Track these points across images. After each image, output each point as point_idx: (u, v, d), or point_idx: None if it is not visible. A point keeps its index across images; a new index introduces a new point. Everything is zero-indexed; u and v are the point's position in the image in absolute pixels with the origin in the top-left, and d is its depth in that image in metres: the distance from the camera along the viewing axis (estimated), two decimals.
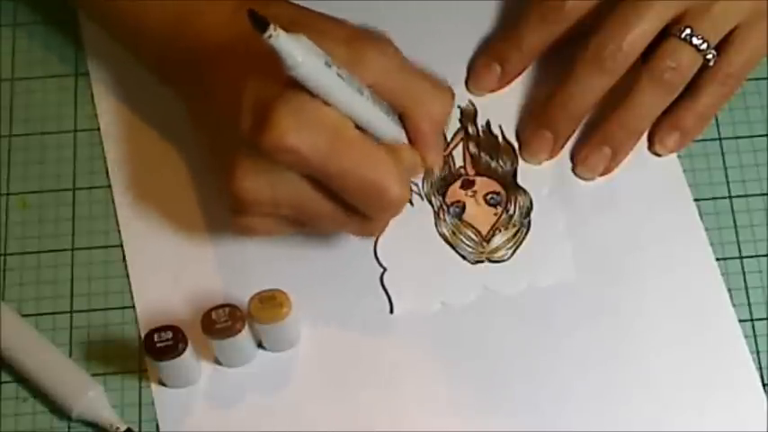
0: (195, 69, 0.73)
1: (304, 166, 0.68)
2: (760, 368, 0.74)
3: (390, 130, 0.71)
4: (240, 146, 0.69)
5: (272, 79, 0.66)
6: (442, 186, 0.79)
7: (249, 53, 0.65)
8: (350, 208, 0.70)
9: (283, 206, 0.70)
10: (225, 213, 0.73)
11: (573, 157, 0.79)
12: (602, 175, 0.78)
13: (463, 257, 0.77)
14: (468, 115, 0.81)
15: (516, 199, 0.78)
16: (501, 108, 0.81)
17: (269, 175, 0.69)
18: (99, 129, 0.81)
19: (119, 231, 0.78)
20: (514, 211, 0.78)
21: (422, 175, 0.78)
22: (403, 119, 0.72)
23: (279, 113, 0.66)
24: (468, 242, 0.77)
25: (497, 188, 0.79)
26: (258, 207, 0.70)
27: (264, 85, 0.68)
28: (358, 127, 0.69)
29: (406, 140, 0.72)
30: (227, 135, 0.69)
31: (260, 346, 0.75)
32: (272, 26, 0.63)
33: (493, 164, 0.79)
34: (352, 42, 0.69)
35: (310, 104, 0.67)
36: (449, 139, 0.80)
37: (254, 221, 0.71)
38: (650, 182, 0.79)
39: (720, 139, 0.80)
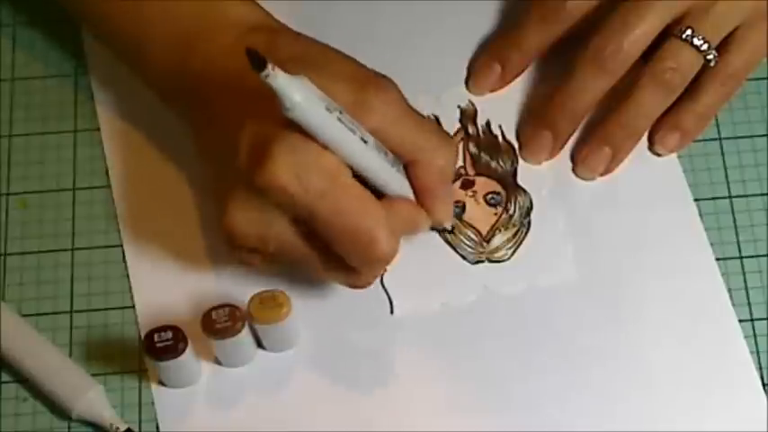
0: (199, 97, 0.73)
1: (294, 207, 0.67)
2: (760, 368, 0.74)
3: (395, 181, 0.70)
4: (237, 179, 0.68)
5: (273, 116, 0.65)
6: None
7: (252, 87, 0.64)
8: (337, 257, 0.69)
9: (271, 245, 0.69)
10: None
11: (573, 157, 0.79)
12: (602, 175, 0.78)
13: (463, 257, 0.77)
14: (469, 115, 0.81)
15: (516, 199, 0.78)
16: (501, 108, 0.81)
17: (261, 212, 0.68)
18: (99, 129, 0.81)
19: (119, 231, 0.78)
20: (514, 211, 0.78)
21: (426, 231, 0.75)
22: (407, 170, 0.71)
23: (275, 152, 0.66)
24: (468, 242, 0.77)
25: (497, 188, 0.79)
26: (246, 242, 0.70)
27: (264, 122, 0.67)
28: (358, 176, 0.68)
29: (411, 193, 0.71)
30: (227, 165, 0.69)
31: (260, 346, 0.75)
32: (269, 65, 0.62)
33: (493, 164, 0.79)
34: (358, 86, 0.68)
35: (307, 146, 0.66)
36: None
37: (245, 255, 0.71)
38: (650, 182, 0.79)
39: (720, 139, 0.80)
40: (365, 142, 0.67)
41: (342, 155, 0.67)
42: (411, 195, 0.71)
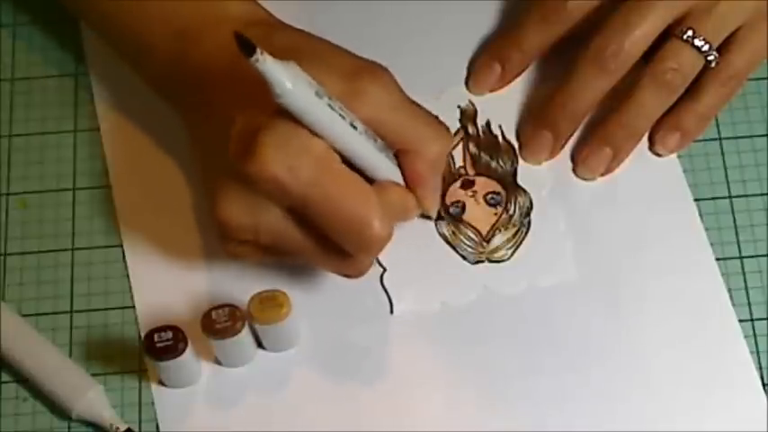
0: (198, 92, 0.73)
1: (285, 196, 0.67)
2: (760, 368, 0.74)
3: (385, 167, 0.70)
4: (229, 171, 0.68)
5: (263, 106, 0.65)
6: (442, 186, 0.78)
7: (245, 78, 0.65)
8: (331, 245, 0.69)
9: (264, 235, 0.69)
10: None
11: (573, 157, 0.79)
12: (602, 175, 0.78)
13: (463, 257, 0.77)
14: (468, 115, 0.81)
15: (516, 199, 0.78)
16: (501, 108, 0.81)
17: (253, 202, 0.68)
18: (99, 129, 0.81)
19: (119, 231, 0.78)
20: (514, 211, 0.78)
21: (415, 218, 0.76)
22: (399, 158, 0.71)
23: (264, 141, 0.66)
24: (468, 242, 0.77)
25: (497, 188, 0.79)
26: (239, 234, 0.69)
27: (255, 112, 0.67)
28: (348, 162, 0.68)
29: (401, 180, 0.71)
30: (220, 158, 0.69)
31: (260, 346, 0.75)
32: (258, 50, 0.62)
33: (493, 164, 0.79)
34: (352, 75, 0.68)
35: (297, 133, 0.66)
36: None
37: (238, 248, 0.71)
38: (650, 182, 0.79)
39: (720, 139, 0.80)
40: (355, 128, 0.67)
41: (332, 141, 0.67)
42: (400, 180, 0.71)
